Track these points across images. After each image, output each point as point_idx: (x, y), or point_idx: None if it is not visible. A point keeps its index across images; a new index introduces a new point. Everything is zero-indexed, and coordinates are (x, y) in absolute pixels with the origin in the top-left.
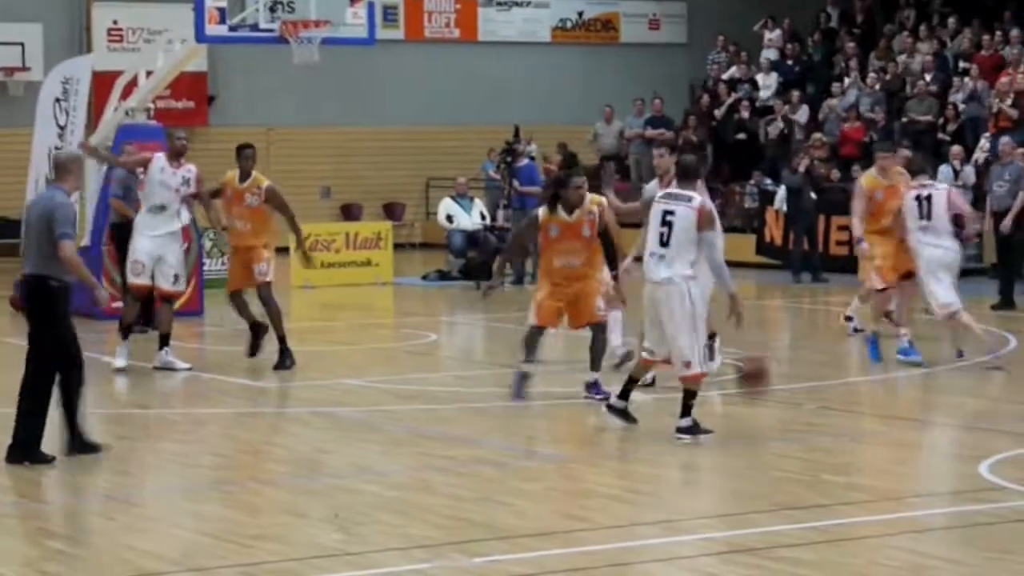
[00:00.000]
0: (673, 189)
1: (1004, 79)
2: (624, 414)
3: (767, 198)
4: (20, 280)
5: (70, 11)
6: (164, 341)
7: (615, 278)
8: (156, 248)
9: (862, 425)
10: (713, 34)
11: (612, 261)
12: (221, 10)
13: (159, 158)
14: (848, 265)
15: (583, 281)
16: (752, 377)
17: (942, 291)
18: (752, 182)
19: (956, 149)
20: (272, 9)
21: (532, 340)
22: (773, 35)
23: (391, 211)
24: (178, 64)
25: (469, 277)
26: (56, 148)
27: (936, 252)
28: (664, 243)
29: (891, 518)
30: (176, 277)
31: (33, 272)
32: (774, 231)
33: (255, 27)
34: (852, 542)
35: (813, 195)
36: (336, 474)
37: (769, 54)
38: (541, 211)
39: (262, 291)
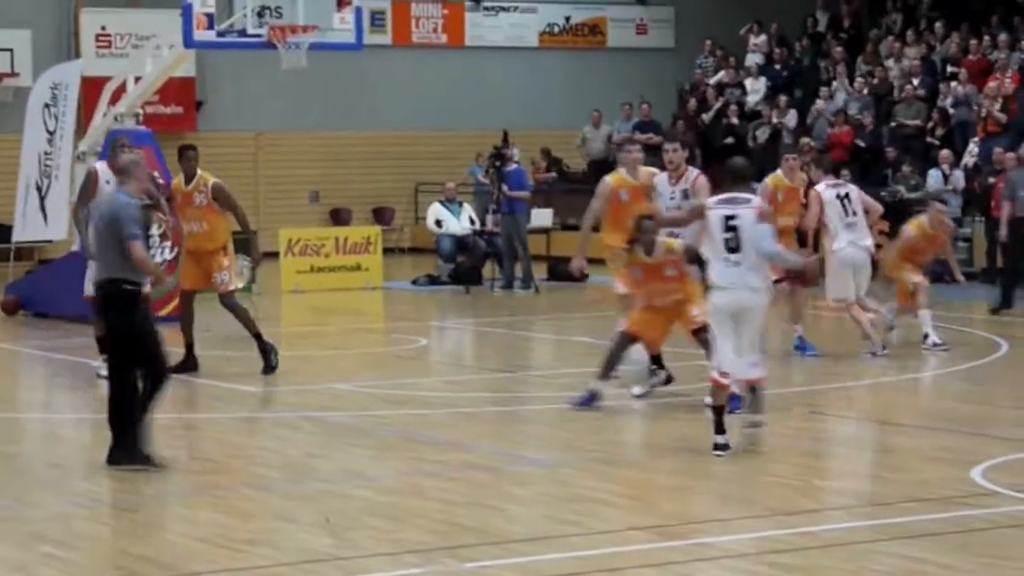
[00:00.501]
0: (728, 194)
1: (992, 83)
2: (726, 447)
3: None
4: (101, 284)
5: (59, 17)
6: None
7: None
8: None
9: (853, 430)
10: (700, 38)
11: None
12: (209, 16)
13: (103, 171)
14: None
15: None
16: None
17: (838, 286)
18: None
19: (945, 153)
20: (260, 15)
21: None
22: (759, 40)
23: (380, 216)
24: (167, 70)
25: (458, 282)
26: (46, 153)
27: (857, 253)
28: (734, 249)
29: (883, 523)
30: None
31: (107, 276)
32: None
33: (243, 33)
34: (844, 547)
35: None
36: (327, 479)
37: (755, 59)
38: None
39: (225, 300)
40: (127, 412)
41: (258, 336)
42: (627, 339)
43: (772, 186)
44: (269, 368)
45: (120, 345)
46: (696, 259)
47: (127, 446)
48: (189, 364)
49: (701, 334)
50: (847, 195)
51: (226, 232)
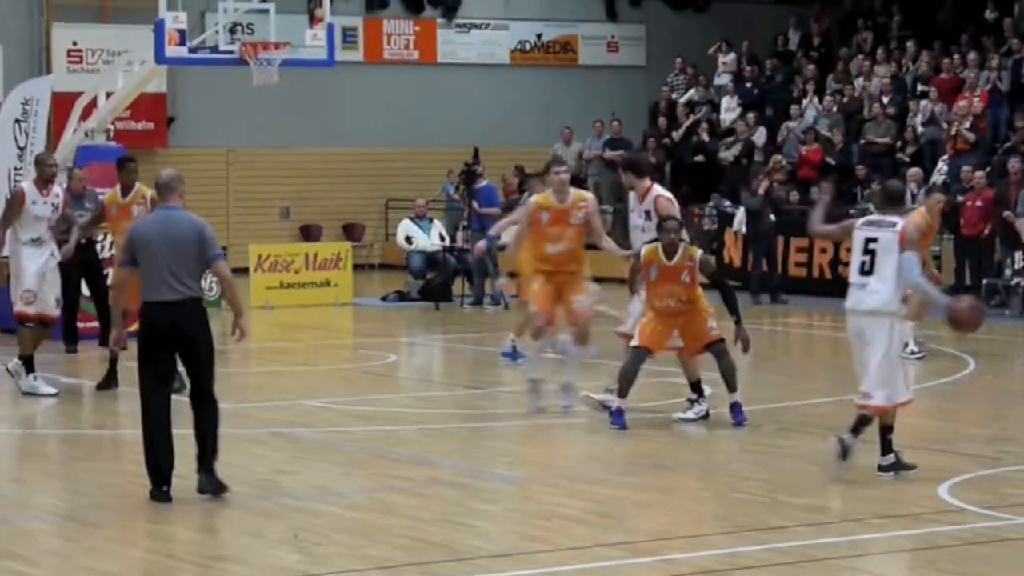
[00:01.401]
0: (876, 216)
1: (962, 102)
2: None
3: (726, 220)
4: (171, 304)
5: (30, 32)
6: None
7: (737, 323)
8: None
9: (822, 447)
10: (671, 56)
11: (733, 307)
12: (181, 32)
13: (30, 191)
14: (808, 287)
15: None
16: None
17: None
18: (711, 204)
19: (914, 171)
20: (232, 31)
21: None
22: (728, 58)
23: (350, 232)
24: (138, 85)
25: (428, 298)
26: (16, 169)
27: None
28: (867, 271)
29: (852, 540)
30: (57, 301)
31: (190, 296)
32: (733, 252)
33: (215, 49)
34: (813, 563)
35: (772, 217)
36: (295, 495)
37: (725, 77)
38: (646, 249)
39: None
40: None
41: None
42: (642, 354)
43: (537, 204)
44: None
45: (201, 367)
46: (712, 275)
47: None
48: (113, 381)
49: (716, 346)
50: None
51: None
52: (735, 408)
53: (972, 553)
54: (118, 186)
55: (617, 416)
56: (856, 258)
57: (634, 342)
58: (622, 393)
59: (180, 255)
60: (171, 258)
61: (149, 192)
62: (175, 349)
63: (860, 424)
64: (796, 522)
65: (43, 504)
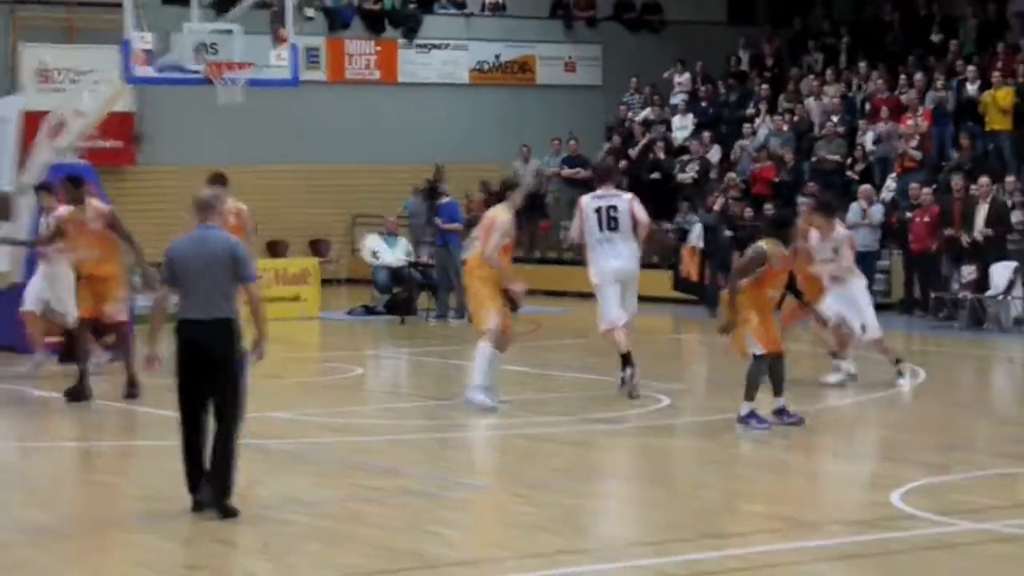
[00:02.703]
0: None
1: (909, 122)
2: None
3: (683, 235)
4: (201, 323)
5: None
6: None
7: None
8: None
9: (779, 455)
10: (627, 76)
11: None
12: (147, 51)
13: None
14: None
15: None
16: None
17: (609, 308)
18: (678, 219)
19: (864, 188)
20: (197, 51)
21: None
22: (682, 78)
23: (317, 247)
24: (106, 104)
25: (393, 312)
26: None
27: (615, 264)
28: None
29: (808, 545)
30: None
31: (224, 316)
32: (690, 267)
33: (181, 68)
34: (770, 569)
35: (728, 232)
36: (266, 504)
37: (680, 96)
38: (767, 244)
39: (119, 331)
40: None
41: (131, 366)
42: (764, 361)
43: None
44: (131, 395)
45: (232, 387)
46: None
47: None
48: (87, 392)
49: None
50: (612, 207)
51: (118, 259)
52: (781, 411)
53: (924, 558)
54: (71, 206)
55: (761, 420)
56: None
57: (758, 350)
58: (750, 397)
59: (212, 275)
60: (203, 277)
61: (106, 207)
62: (204, 368)
63: None
64: (754, 529)
65: (18, 515)
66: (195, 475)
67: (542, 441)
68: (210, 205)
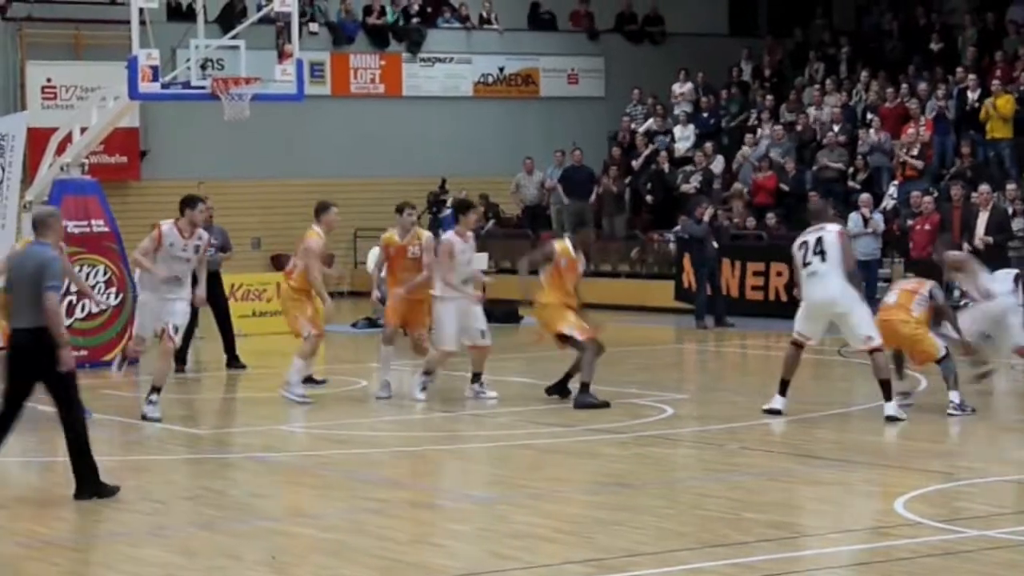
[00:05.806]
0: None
1: (910, 131)
2: None
3: (684, 245)
4: (28, 331)
5: (4, 69)
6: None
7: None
8: None
9: (781, 464)
10: (629, 88)
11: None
12: (154, 68)
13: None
14: (764, 310)
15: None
16: None
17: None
18: (675, 232)
19: (865, 197)
20: (203, 67)
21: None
22: (684, 88)
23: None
24: (112, 120)
25: None
26: None
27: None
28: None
29: (811, 554)
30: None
31: (35, 325)
32: (691, 277)
33: (187, 84)
34: None
35: (715, 243)
36: (271, 517)
37: (683, 107)
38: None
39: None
40: (85, 448)
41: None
42: (901, 355)
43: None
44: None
45: (61, 387)
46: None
47: (94, 479)
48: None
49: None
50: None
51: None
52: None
53: (928, 566)
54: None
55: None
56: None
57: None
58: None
59: (26, 287)
60: (21, 290)
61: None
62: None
63: None
64: (758, 537)
65: (26, 529)
66: None
67: (546, 452)
68: (43, 222)
